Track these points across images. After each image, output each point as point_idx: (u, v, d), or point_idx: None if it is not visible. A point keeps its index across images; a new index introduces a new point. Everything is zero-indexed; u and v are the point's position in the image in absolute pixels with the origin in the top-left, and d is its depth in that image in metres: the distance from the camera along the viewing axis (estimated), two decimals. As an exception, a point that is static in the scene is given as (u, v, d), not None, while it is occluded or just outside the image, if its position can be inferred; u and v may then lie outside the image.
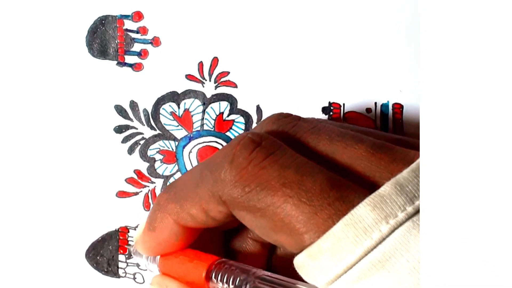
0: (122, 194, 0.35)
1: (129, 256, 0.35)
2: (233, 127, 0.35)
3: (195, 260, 0.28)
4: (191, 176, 0.28)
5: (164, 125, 0.35)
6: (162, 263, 0.29)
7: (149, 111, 0.35)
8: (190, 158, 0.35)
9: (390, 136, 0.29)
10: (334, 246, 0.23)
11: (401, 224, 0.22)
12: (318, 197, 0.24)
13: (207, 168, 0.26)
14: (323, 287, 0.23)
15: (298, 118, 0.28)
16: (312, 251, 0.23)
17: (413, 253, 0.22)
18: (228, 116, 0.35)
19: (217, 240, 0.30)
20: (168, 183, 0.35)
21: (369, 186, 0.24)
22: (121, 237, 0.35)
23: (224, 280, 0.26)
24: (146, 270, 0.35)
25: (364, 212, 0.23)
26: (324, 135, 0.27)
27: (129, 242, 0.35)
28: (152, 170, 0.35)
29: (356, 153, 0.26)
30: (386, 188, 0.23)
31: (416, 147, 0.27)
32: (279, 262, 0.30)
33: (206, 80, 0.35)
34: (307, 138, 0.27)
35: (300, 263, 0.24)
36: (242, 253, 0.30)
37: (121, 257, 0.35)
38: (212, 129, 0.35)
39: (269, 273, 0.26)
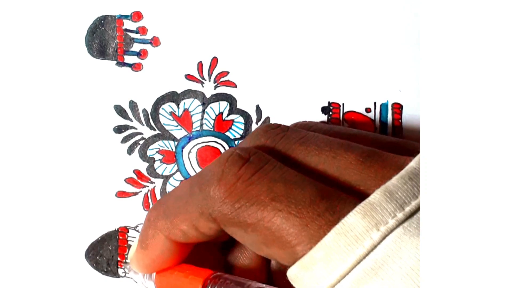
0: (121, 194, 0.35)
1: (125, 272, 0.35)
2: (233, 127, 0.35)
3: (190, 276, 0.28)
4: (180, 192, 0.28)
5: (164, 125, 0.35)
6: (158, 280, 0.29)
7: (149, 111, 0.35)
8: (190, 158, 0.35)
9: (384, 139, 0.29)
10: (326, 256, 0.23)
11: (392, 230, 0.23)
12: (308, 209, 0.24)
13: (196, 184, 0.26)
14: None
15: (286, 129, 0.28)
16: (305, 262, 0.23)
17: (405, 260, 0.22)
18: (227, 116, 0.35)
19: (215, 253, 0.30)
20: (167, 183, 0.35)
21: (359, 195, 0.24)
22: (120, 237, 0.35)
23: None
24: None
25: (354, 220, 0.23)
26: (313, 145, 0.27)
27: (125, 260, 0.35)
28: (151, 170, 0.35)
29: (345, 162, 0.26)
30: (375, 196, 0.23)
31: (411, 149, 0.27)
32: (277, 273, 0.30)
33: (205, 80, 0.35)
34: (296, 150, 0.27)
35: (293, 275, 0.24)
36: (239, 265, 0.30)
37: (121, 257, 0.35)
38: (212, 129, 0.35)
39: (264, 286, 0.26)
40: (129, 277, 0.35)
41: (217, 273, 0.27)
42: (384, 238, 0.22)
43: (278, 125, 0.28)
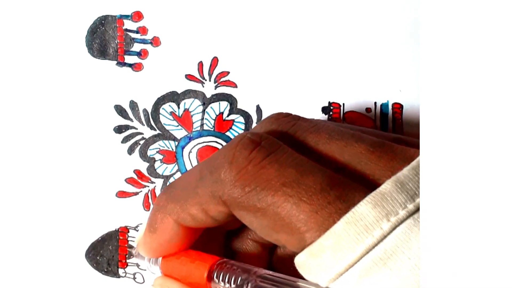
0: (122, 194, 0.35)
1: (129, 256, 0.35)
2: (233, 127, 0.35)
3: (197, 261, 0.28)
4: (190, 176, 0.28)
5: (164, 125, 0.35)
6: (164, 265, 0.29)
7: (149, 111, 0.35)
8: (190, 158, 0.35)
9: (388, 135, 0.29)
10: (335, 244, 0.23)
11: (402, 221, 0.23)
12: (318, 196, 0.24)
13: (207, 168, 0.26)
14: (325, 285, 0.23)
15: (297, 118, 0.28)
16: (314, 249, 0.23)
17: (414, 250, 0.22)
18: (228, 116, 0.35)
19: (219, 241, 0.30)
20: (168, 183, 0.35)
21: (369, 184, 0.24)
22: (121, 237, 0.35)
23: (226, 280, 0.26)
24: (146, 270, 0.35)
25: (365, 210, 0.23)
26: (324, 134, 0.27)
27: (130, 244, 0.35)
28: (152, 170, 0.35)
29: (356, 152, 0.26)
30: (386, 186, 0.23)
31: (416, 146, 0.27)
32: (279, 263, 0.30)
33: (206, 80, 0.35)
34: (307, 137, 0.27)
35: (301, 261, 0.24)
36: (242, 254, 0.30)
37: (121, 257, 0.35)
38: (212, 129, 0.35)
39: (270, 272, 0.26)
40: (131, 263, 0.35)
41: (223, 259, 0.27)
42: (394, 228, 0.22)
43: (289, 114, 0.28)
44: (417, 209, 0.23)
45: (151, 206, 0.35)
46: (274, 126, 0.28)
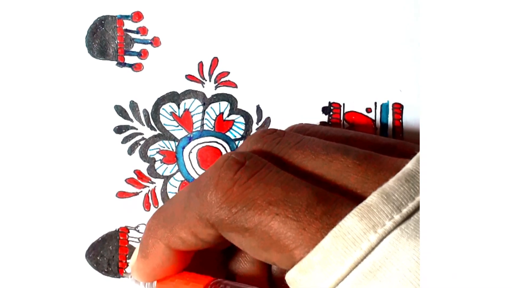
0: (122, 195, 0.35)
1: (126, 274, 0.35)
2: (233, 127, 0.35)
3: (191, 283, 0.28)
4: (179, 199, 0.28)
5: (164, 125, 0.35)
6: None
7: (149, 112, 0.35)
8: (190, 158, 0.35)
9: (381, 141, 0.29)
10: (324, 259, 0.23)
11: (389, 232, 0.23)
12: (304, 213, 0.24)
13: (194, 191, 0.26)
14: None
15: (282, 134, 0.28)
16: (303, 266, 0.23)
17: (402, 261, 0.22)
18: (228, 116, 0.35)
19: (214, 262, 0.30)
20: (168, 183, 0.35)
21: (356, 198, 0.24)
22: (121, 238, 0.35)
23: None
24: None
25: (352, 223, 0.23)
26: (309, 150, 0.27)
27: (126, 271, 0.35)
28: (152, 171, 0.35)
29: (342, 166, 0.26)
30: (372, 198, 0.23)
31: (408, 151, 0.27)
32: (277, 280, 0.30)
33: (206, 80, 0.35)
34: (292, 154, 0.27)
35: (291, 278, 0.24)
36: (240, 274, 0.30)
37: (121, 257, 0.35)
38: (212, 129, 0.35)
39: None
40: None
41: (217, 280, 0.27)
42: (381, 240, 0.22)
43: (274, 130, 0.28)
44: (403, 220, 0.23)
45: (151, 206, 0.35)
46: (259, 144, 0.28)
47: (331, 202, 0.24)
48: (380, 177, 0.25)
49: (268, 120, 0.34)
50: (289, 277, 0.24)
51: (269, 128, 0.29)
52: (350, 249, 0.22)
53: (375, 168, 0.25)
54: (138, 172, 0.35)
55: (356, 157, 0.26)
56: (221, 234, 0.26)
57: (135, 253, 0.30)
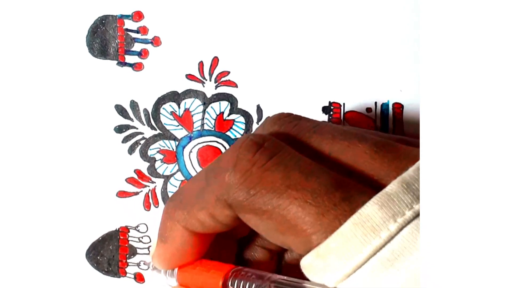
0: (122, 194, 0.35)
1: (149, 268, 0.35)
2: (234, 126, 0.35)
3: (212, 270, 0.28)
4: (196, 181, 0.28)
5: (165, 125, 0.35)
6: (180, 276, 0.29)
7: (150, 111, 0.35)
8: (191, 158, 0.35)
9: (390, 137, 0.29)
10: (342, 245, 0.23)
11: (409, 222, 0.22)
12: (323, 198, 0.23)
13: (212, 172, 0.26)
14: (332, 286, 0.23)
15: (299, 118, 0.28)
16: (321, 251, 0.23)
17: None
18: (228, 115, 0.35)
19: (232, 250, 0.30)
20: (168, 183, 0.35)
21: (373, 185, 0.24)
22: (121, 237, 0.35)
23: (241, 287, 0.26)
24: (146, 269, 0.35)
25: (371, 211, 0.23)
26: (327, 134, 0.26)
27: (146, 260, 0.35)
28: (152, 170, 0.35)
29: (360, 152, 0.25)
30: (392, 187, 0.23)
31: (418, 147, 0.27)
32: (288, 268, 0.30)
33: (206, 80, 0.35)
34: (310, 138, 0.27)
35: (307, 263, 0.24)
36: (252, 262, 0.30)
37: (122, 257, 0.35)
38: (213, 129, 0.35)
39: (284, 277, 0.26)
40: (132, 263, 0.35)
41: (237, 267, 0.27)
42: (401, 229, 0.22)
43: (290, 114, 0.28)
44: None
45: (152, 206, 0.35)
46: (276, 127, 0.28)
47: (350, 188, 0.24)
48: (396, 165, 0.24)
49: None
50: (305, 262, 0.24)
51: (284, 112, 0.28)
52: (369, 237, 0.22)
53: (392, 156, 0.25)
54: (138, 172, 0.35)
55: (374, 143, 0.25)
56: (239, 215, 0.26)
57: (155, 239, 0.29)
